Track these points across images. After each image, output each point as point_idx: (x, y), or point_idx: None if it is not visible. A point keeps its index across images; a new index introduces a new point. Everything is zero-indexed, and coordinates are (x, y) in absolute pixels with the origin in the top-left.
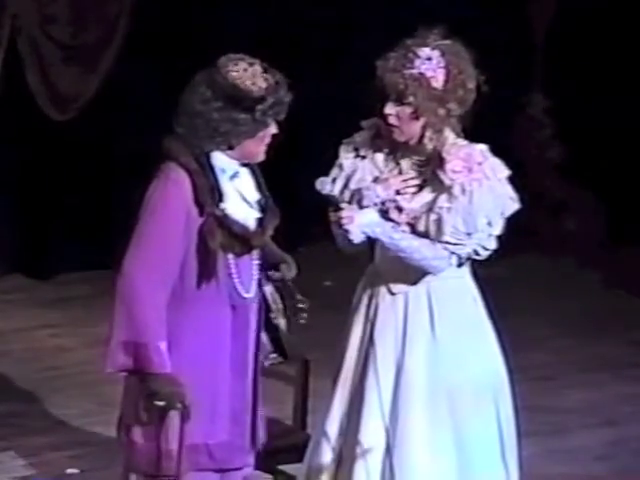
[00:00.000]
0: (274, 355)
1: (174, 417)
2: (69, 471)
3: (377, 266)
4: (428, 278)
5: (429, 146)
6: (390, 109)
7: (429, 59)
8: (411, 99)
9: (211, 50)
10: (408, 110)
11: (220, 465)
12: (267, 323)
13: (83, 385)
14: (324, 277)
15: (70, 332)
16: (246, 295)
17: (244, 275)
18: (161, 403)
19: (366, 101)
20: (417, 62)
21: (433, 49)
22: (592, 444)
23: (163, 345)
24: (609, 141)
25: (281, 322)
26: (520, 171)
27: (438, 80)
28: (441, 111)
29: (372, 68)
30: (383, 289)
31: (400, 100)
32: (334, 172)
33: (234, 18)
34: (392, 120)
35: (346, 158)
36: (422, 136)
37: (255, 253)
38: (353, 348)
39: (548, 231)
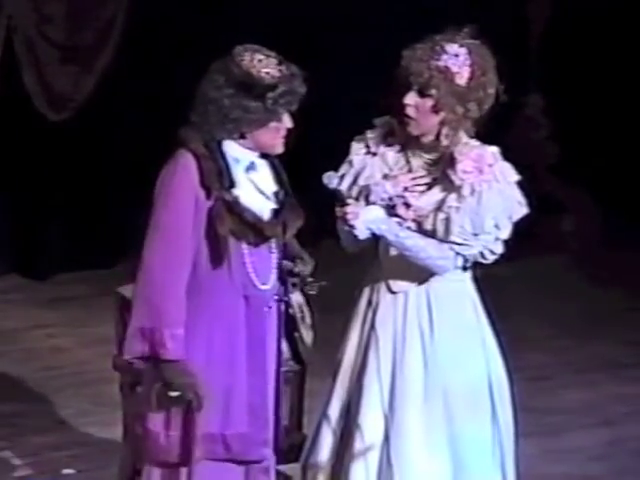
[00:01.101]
0: (291, 362)
1: (187, 406)
2: (65, 471)
3: (380, 263)
4: (429, 279)
5: (444, 143)
6: (410, 99)
7: (456, 55)
8: (433, 91)
9: (209, 50)
10: (429, 103)
11: (237, 456)
12: (288, 331)
13: (80, 385)
14: (321, 277)
15: (67, 332)
16: (261, 287)
17: (260, 266)
18: (175, 394)
19: (380, 98)
20: (444, 56)
21: (461, 46)
22: (589, 444)
23: (180, 332)
24: (606, 142)
25: (304, 333)
26: (517, 172)
27: (462, 77)
28: (460, 109)
29: (378, 66)
30: (384, 287)
31: (422, 91)
32: (344, 168)
33: (233, 18)
34: (410, 111)
35: (357, 154)
36: (438, 133)
37: (274, 245)
38: (352, 345)
39: (545, 231)
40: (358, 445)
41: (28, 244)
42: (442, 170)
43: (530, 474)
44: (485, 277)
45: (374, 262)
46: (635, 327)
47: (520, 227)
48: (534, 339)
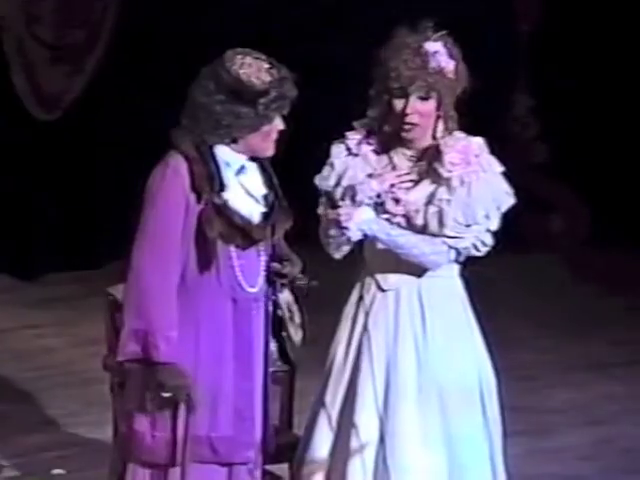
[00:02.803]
0: (279, 363)
1: (179, 408)
2: (55, 472)
3: (367, 265)
4: (419, 276)
5: (440, 138)
6: (412, 108)
7: (437, 52)
8: (434, 94)
9: (197, 50)
10: (431, 105)
11: (223, 459)
12: (275, 330)
13: (68, 385)
14: (311, 277)
15: (55, 332)
16: (249, 289)
17: (248, 269)
18: (168, 395)
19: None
20: (430, 57)
21: (435, 41)
22: (577, 444)
23: (174, 334)
24: (595, 141)
25: (292, 332)
26: (505, 172)
27: (451, 70)
28: (452, 100)
29: (361, 69)
30: (373, 287)
31: (424, 96)
32: (325, 171)
33: (222, 18)
34: (415, 119)
35: (337, 157)
36: (434, 130)
37: (262, 248)
38: (344, 344)
39: (533, 230)
40: (354, 444)
41: (16, 244)
42: (428, 163)
43: (518, 474)
44: (473, 276)
45: (362, 261)
46: (622, 326)
47: (508, 226)
48: (521, 338)
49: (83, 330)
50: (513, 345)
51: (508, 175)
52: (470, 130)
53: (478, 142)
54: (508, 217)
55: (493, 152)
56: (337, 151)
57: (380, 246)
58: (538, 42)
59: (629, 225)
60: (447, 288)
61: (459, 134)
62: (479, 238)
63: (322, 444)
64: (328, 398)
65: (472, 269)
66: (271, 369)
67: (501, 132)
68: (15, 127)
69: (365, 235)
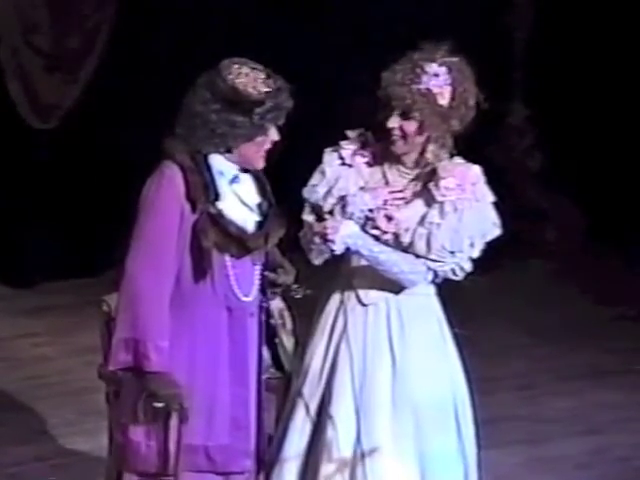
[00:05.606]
0: (272, 370)
1: (172, 417)
2: None
3: (347, 277)
4: (398, 292)
5: (430, 160)
6: (394, 122)
7: (436, 75)
8: (417, 114)
9: (194, 58)
10: (413, 125)
11: (219, 468)
12: (268, 337)
13: (65, 394)
14: (308, 285)
15: (52, 341)
16: (244, 298)
17: (243, 278)
18: (160, 405)
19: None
20: (424, 78)
21: (440, 65)
22: (573, 452)
23: (165, 344)
24: (590, 149)
25: (284, 339)
26: (502, 180)
27: (444, 97)
28: (444, 127)
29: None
30: (353, 300)
31: (405, 114)
32: (315, 178)
33: (218, 28)
34: (397, 132)
35: (330, 165)
36: (422, 150)
37: (257, 257)
38: (321, 351)
39: (528, 239)
40: (334, 455)
41: (13, 252)
42: (423, 185)
43: None
44: (467, 285)
45: (341, 272)
46: (618, 335)
47: (503, 234)
48: (517, 347)
49: (79, 339)
50: (508, 354)
51: (500, 200)
52: (466, 138)
53: (476, 171)
54: (504, 226)
55: (492, 166)
56: (330, 159)
57: (363, 261)
58: (533, 50)
59: (624, 234)
60: (425, 306)
61: (458, 159)
62: (459, 264)
63: (298, 438)
64: (306, 392)
65: (468, 278)
66: (265, 376)
67: (497, 140)
68: (11, 135)
69: (348, 249)
